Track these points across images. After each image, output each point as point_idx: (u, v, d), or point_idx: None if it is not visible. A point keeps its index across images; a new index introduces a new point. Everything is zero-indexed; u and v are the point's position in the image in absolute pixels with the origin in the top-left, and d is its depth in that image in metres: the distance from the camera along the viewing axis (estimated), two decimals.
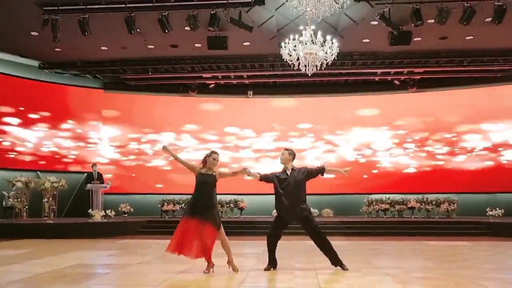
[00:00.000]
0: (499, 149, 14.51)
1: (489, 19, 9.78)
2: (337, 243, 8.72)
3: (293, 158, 5.88)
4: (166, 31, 10.07)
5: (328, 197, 14.45)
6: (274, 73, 14.14)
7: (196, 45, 12.04)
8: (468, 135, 14.86)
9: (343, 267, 5.63)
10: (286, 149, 5.95)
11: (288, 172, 5.80)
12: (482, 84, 14.48)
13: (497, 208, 12.27)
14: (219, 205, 14.19)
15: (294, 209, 5.68)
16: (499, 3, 9.25)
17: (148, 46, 12.20)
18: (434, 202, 13.76)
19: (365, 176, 15.31)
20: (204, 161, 5.66)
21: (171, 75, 14.42)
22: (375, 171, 15.43)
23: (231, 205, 14.26)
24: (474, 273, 5.65)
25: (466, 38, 11.59)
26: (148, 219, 13.06)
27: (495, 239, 10.44)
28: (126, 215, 13.38)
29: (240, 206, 14.28)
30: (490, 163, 14.58)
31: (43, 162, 14.18)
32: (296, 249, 7.65)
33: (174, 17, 9.91)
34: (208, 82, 15.31)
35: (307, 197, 5.79)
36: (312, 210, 6.09)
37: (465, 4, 9.33)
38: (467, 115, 14.85)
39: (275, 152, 15.08)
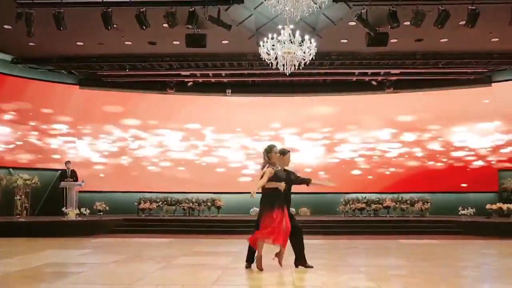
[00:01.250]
0: (472, 150, 14.83)
1: (463, 23, 9.99)
2: (314, 242, 8.82)
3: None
4: (144, 27, 9.95)
5: (305, 196, 14.48)
6: (252, 72, 14.15)
7: (174, 42, 11.95)
8: (442, 136, 15.15)
9: (307, 265, 5.73)
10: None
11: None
12: (456, 86, 14.80)
13: (469, 208, 12.60)
14: (196, 204, 14.14)
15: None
16: (472, 7, 9.46)
17: (126, 43, 12.05)
18: (408, 202, 14.05)
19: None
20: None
21: (148, 72, 14.28)
22: (352, 171, 15.60)
23: (209, 203, 14.22)
24: (447, 271, 5.77)
25: (441, 40, 11.83)
26: (124, 217, 12.92)
27: (466, 237, 10.71)
28: (102, 213, 13.20)
29: (218, 204, 14.25)
30: (462, 164, 14.90)
31: (15, 159, 13.85)
32: (272, 247, 7.67)
33: (152, 13, 9.80)
34: (186, 80, 15.20)
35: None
36: (290, 209, 6.20)
37: (440, 7, 9.51)
38: (441, 116, 15.14)
39: (253, 151, 15.13)
